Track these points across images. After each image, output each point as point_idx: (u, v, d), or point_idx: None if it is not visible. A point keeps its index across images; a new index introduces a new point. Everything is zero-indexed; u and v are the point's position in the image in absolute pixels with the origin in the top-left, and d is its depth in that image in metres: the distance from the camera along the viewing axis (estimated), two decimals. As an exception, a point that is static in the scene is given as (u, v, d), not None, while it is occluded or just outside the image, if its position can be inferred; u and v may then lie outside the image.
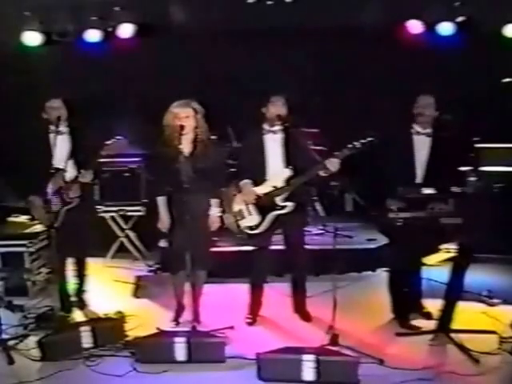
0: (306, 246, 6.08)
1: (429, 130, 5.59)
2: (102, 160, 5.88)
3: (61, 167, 5.77)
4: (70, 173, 5.84)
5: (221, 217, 5.92)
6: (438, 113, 5.56)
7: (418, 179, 5.56)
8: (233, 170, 7.86)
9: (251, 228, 5.74)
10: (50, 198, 5.78)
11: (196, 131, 5.65)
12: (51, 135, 5.83)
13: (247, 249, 6.02)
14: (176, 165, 5.48)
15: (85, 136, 5.98)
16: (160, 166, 5.79)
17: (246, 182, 5.76)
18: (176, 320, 5.90)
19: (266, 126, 5.74)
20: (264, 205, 5.68)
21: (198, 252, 5.51)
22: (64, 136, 5.92)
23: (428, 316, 5.80)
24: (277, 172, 5.67)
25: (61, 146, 5.81)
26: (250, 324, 5.89)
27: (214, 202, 5.74)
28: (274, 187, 5.65)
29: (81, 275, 6.29)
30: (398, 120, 5.72)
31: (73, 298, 6.25)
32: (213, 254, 6.03)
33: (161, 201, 5.74)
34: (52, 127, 5.88)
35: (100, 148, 5.69)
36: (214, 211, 5.74)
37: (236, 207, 5.84)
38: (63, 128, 5.91)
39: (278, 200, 5.64)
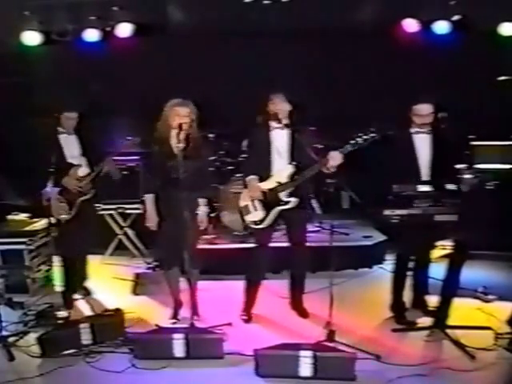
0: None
1: (426, 129, 5.66)
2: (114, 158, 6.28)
3: (75, 163, 6.12)
4: (84, 169, 6.21)
5: (217, 215, 5.96)
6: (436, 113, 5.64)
7: (420, 177, 5.61)
8: (230, 167, 7.96)
9: (256, 223, 5.79)
10: (63, 190, 6.06)
11: (190, 130, 5.70)
12: (61, 136, 6.13)
13: (245, 246, 6.05)
14: (170, 162, 5.55)
15: (89, 135, 6.29)
16: (154, 164, 5.81)
17: (251, 178, 5.82)
18: (175, 317, 5.95)
19: (271, 123, 5.78)
20: (268, 200, 5.74)
21: (188, 251, 5.54)
22: (73, 136, 6.21)
23: (432, 314, 5.80)
24: (281, 168, 5.73)
25: (71, 145, 6.16)
26: (245, 321, 5.93)
27: (202, 201, 5.79)
28: (278, 183, 5.70)
29: (83, 267, 6.51)
30: (394, 118, 5.75)
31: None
32: (204, 252, 6.08)
33: (149, 198, 5.78)
34: (61, 129, 6.14)
35: (101, 146, 6.03)
36: (202, 210, 5.79)
37: (242, 203, 5.90)
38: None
39: (282, 195, 5.70)
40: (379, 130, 5.29)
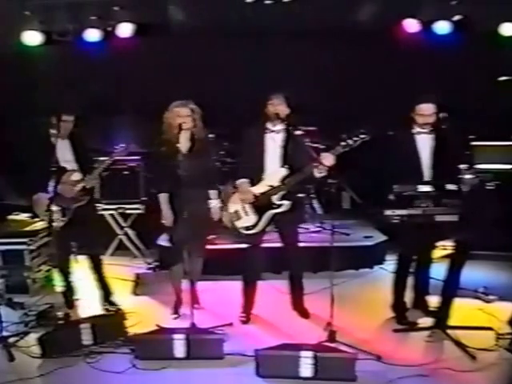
0: (303, 244, 6.11)
1: (427, 130, 5.65)
2: (107, 165, 6.04)
3: (69, 168, 5.97)
4: (77, 174, 6.03)
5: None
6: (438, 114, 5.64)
7: (421, 177, 5.59)
8: (230, 167, 7.96)
9: (248, 228, 5.74)
10: (56, 195, 5.80)
11: (193, 130, 5.78)
12: (54, 138, 5.90)
13: (245, 246, 6.04)
14: (175, 162, 5.58)
15: (84, 138, 6.18)
16: (160, 164, 5.88)
17: (243, 181, 5.77)
18: (176, 312, 6.01)
19: (268, 125, 5.75)
20: (260, 204, 5.69)
21: (195, 242, 5.73)
22: (66, 140, 6.06)
23: (433, 315, 5.73)
24: (273, 171, 5.69)
25: (64, 148, 5.99)
26: (244, 322, 5.90)
27: (213, 193, 5.88)
28: (270, 186, 5.66)
29: (101, 277, 6.37)
30: (394, 118, 5.75)
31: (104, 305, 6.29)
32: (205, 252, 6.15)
33: (163, 197, 5.84)
34: (56, 132, 5.94)
35: (99, 150, 6.00)
36: (215, 203, 5.88)
37: (232, 208, 5.84)
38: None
39: (275, 199, 5.66)
40: (369, 131, 5.29)
